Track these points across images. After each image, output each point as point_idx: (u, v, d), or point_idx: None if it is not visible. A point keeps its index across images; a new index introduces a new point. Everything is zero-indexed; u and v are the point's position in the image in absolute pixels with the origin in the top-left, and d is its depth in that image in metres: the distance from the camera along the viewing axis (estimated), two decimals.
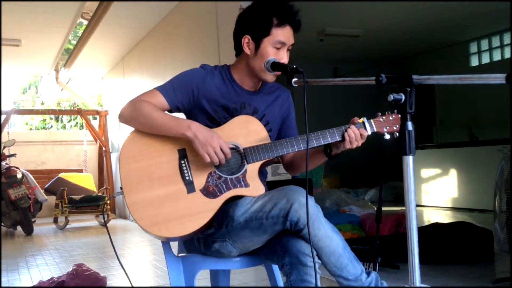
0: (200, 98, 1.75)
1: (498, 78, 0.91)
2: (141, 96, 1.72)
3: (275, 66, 1.67)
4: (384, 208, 2.91)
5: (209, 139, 1.59)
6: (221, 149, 1.60)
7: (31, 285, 3.39)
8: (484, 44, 8.03)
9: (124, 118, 1.72)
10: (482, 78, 0.96)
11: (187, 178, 1.64)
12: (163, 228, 1.58)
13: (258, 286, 3.11)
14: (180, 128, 1.62)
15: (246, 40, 1.73)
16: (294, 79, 1.60)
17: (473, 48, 8.23)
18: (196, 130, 1.60)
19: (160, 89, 1.74)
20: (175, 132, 1.63)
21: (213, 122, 1.76)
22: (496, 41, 7.83)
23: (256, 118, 1.76)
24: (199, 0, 5.06)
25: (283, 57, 1.72)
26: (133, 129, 1.73)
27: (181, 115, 1.81)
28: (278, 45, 1.70)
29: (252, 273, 3.41)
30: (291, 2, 1.73)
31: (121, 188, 1.63)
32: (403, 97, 1.12)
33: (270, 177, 3.90)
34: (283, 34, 1.70)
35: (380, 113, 1.71)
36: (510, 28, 6.27)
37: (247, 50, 1.74)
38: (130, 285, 1.88)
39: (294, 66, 1.64)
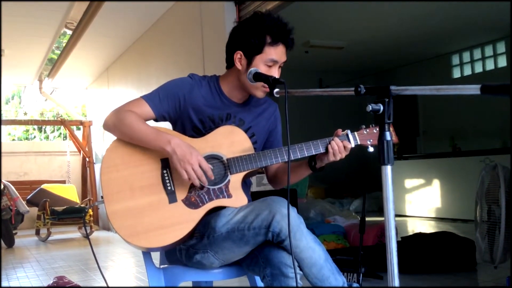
0: (187, 107, 1.74)
1: (473, 89, 0.93)
2: (126, 106, 1.71)
3: (257, 76, 1.67)
4: (368, 219, 2.92)
5: (188, 156, 1.56)
6: (200, 166, 1.58)
7: None
8: (466, 56, 8.16)
9: (107, 126, 1.71)
10: (458, 89, 0.98)
11: (169, 188, 1.62)
12: (143, 238, 1.56)
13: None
14: (159, 142, 1.60)
15: (238, 55, 1.73)
16: (276, 90, 1.60)
17: (455, 60, 8.36)
18: (175, 146, 1.58)
19: (146, 98, 1.73)
20: (155, 145, 1.61)
21: (198, 132, 1.75)
22: (477, 54, 7.97)
23: (241, 129, 1.76)
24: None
25: (274, 75, 1.70)
26: (116, 138, 1.71)
27: (168, 124, 1.81)
28: (270, 63, 1.70)
29: (235, 284, 3.38)
30: (285, 19, 1.73)
31: (102, 197, 1.61)
32: (382, 107, 1.13)
33: (255, 188, 3.90)
34: (276, 53, 1.70)
35: (364, 126, 1.73)
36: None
37: (238, 66, 1.73)
38: None
39: (276, 77, 1.65)
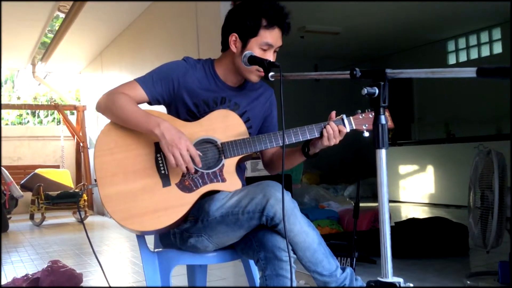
0: (181, 91, 1.72)
1: (469, 72, 0.92)
2: (119, 88, 1.69)
3: (252, 60, 1.65)
4: (362, 204, 2.92)
5: (176, 140, 1.54)
6: (189, 153, 1.56)
7: (4, 282, 3.33)
8: (462, 42, 8.14)
9: (100, 108, 1.69)
10: (453, 72, 0.97)
11: (163, 171, 1.62)
12: (137, 222, 1.55)
13: (228, 287, 3.09)
14: (149, 125, 1.57)
15: (233, 38, 1.71)
16: (271, 73, 1.59)
17: (451, 46, 8.34)
18: (165, 129, 1.55)
19: (140, 80, 1.71)
20: (144, 128, 1.59)
21: (192, 116, 1.74)
22: (473, 40, 7.95)
23: (236, 113, 1.74)
24: None
25: (269, 59, 1.67)
26: (109, 121, 1.70)
27: (162, 108, 1.79)
28: (265, 46, 1.68)
29: (230, 268, 3.40)
30: (281, 3, 1.71)
31: (95, 180, 1.61)
32: (377, 91, 1.12)
33: (249, 173, 3.90)
34: (271, 36, 1.68)
35: (360, 111, 1.72)
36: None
37: (233, 48, 1.71)
38: (106, 282, 1.85)
39: (271, 60, 1.63)
